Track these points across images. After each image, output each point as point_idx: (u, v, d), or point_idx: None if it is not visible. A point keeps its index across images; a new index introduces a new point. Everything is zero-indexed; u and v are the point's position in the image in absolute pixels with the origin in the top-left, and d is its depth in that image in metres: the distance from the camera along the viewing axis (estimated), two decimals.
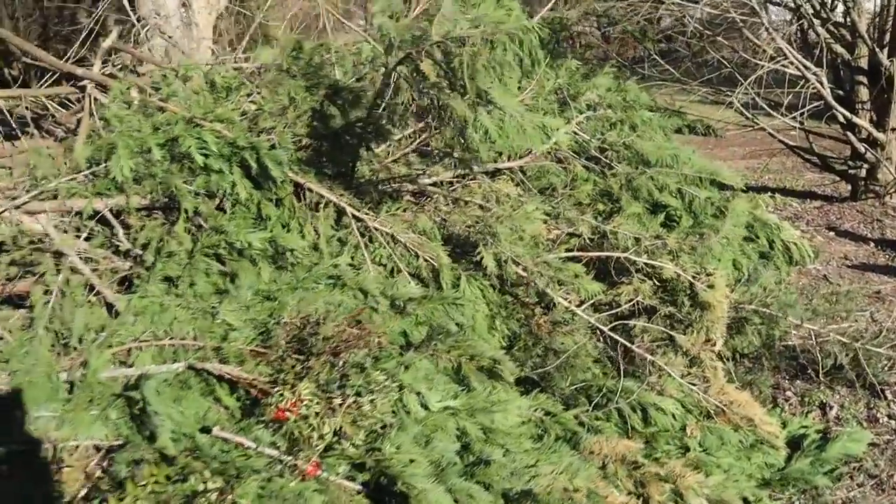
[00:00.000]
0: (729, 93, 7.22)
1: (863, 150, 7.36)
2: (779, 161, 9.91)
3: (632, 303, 3.30)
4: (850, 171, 7.68)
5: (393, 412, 2.48)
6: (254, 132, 3.35)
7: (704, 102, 8.66)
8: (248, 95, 3.47)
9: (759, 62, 6.95)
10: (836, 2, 7.25)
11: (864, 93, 7.47)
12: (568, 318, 3.14)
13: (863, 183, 7.57)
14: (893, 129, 7.26)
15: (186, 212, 3.08)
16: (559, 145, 3.84)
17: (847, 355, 3.64)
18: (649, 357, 3.12)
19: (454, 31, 2.44)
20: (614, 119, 4.08)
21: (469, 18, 2.44)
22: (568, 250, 3.30)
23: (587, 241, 3.32)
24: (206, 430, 2.45)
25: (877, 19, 7.43)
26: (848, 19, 7.05)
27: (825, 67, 7.22)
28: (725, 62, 7.37)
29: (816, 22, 7.18)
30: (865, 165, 7.50)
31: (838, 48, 7.41)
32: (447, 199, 3.36)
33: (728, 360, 3.69)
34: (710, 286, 3.30)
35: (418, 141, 3.71)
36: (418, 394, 2.49)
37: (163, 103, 3.50)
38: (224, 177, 3.11)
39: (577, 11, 8.26)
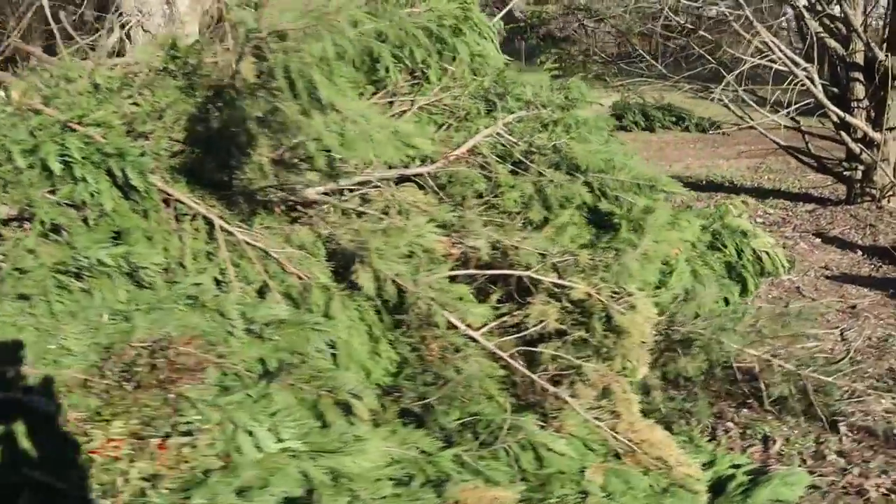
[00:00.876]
0: (713, 89, 6.82)
1: (858, 150, 6.91)
2: (783, 161, 9.46)
3: (542, 326, 2.96)
4: (844, 172, 7.23)
5: (226, 454, 2.19)
6: (132, 136, 3.08)
7: (694, 98, 8.24)
8: (129, 97, 3.19)
9: (744, 57, 6.53)
10: None
11: (859, 90, 7.01)
12: (462, 344, 2.82)
13: (858, 185, 7.12)
14: (890, 129, 6.80)
15: (43, 223, 2.81)
16: (479, 149, 3.51)
17: (791, 384, 3.26)
18: (551, 388, 2.78)
19: (279, 23, 2.13)
20: (547, 119, 3.74)
21: (303, 9, 2.13)
22: (471, 267, 2.97)
23: (490, 256, 2.99)
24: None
25: (869, 11, 6.97)
26: (841, 12, 6.60)
27: (817, 63, 6.77)
28: (709, 58, 6.96)
29: (808, 15, 6.74)
30: (861, 167, 7.05)
31: (832, 43, 6.96)
32: (339, 209, 3.06)
33: (662, 388, 3.34)
34: (632, 307, 2.95)
35: None
36: (250, 433, 2.19)
37: (43, 106, 3.24)
38: (86, 186, 2.84)
39: (559, 6, 7.92)
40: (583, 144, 3.63)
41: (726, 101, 7.04)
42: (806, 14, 6.74)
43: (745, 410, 3.50)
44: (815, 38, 6.66)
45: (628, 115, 15.14)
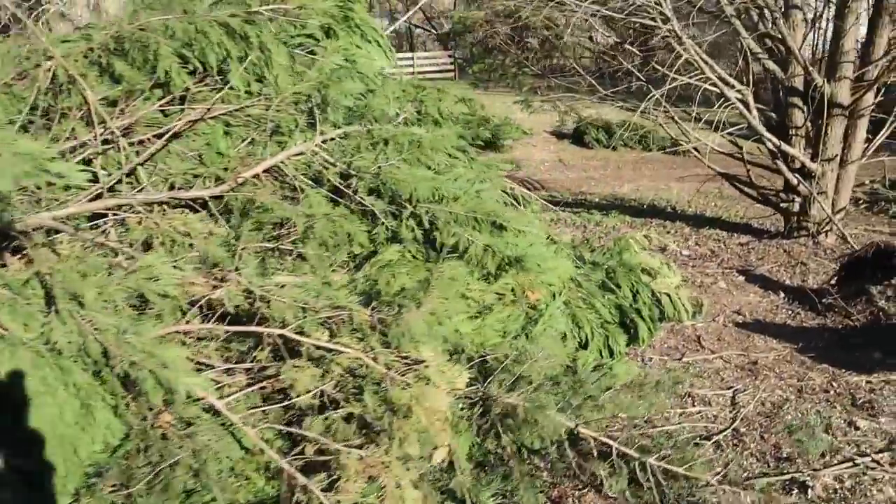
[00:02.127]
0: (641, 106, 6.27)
1: (795, 181, 6.38)
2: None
3: (313, 395, 2.37)
4: (781, 204, 6.70)
5: None
6: None
7: (630, 115, 7.68)
8: None
9: (672, 75, 5.98)
10: (772, 12, 6.25)
11: (798, 116, 6.49)
12: (194, 416, 2.22)
13: (795, 219, 6.58)
14: (828, 160, 6.27)
15: None
16: (283, 169, 2.92)
17: (631, 468, 2.68)
18: (300, 479, 2.19)
19: None
20: (378, 137, 3.16)
21: None
22: (221, 317, 2.38)
23: (247, 305, 2.39)
24: None
25: (813, 35, 6.46)
26: (777, 31, 6.07)
27: (753, 86, 6.23)
28: (637, 73, 6.41)
29: (744, 33, 6.21)
30: (798, 199, 6.52)
31: (770, 65, 6.43)
32: (75, 240, 2.46)
33: (477, 470, 2.76)
34: (422, 378, 2.36)
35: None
36: None
37: None
38: None
39: (486, 11, 7.37)
40: (413, 168, 3.05)
41: (657, 119, 6.50)
42: (742, 32, 6.21)
43: (591, 495, 2.91)
44: (750, 58, 6.13)
45: (591, 133, 14.66)
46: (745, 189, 7.18)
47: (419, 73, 17.61)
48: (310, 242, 2.67)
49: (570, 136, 15.13)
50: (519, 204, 5.00)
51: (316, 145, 3.05)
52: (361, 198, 2.95)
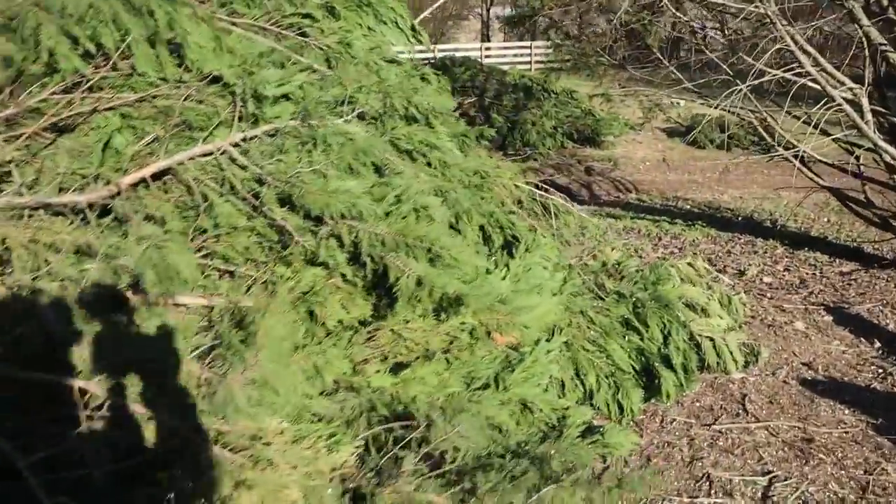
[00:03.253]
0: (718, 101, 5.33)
1: None
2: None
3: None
4: None
5: None
6: None
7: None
8: None
9: (763, 68, 5.00)
10: None
11: None
12: None
13: None
14: None
15: None
16: (182, 174, 2.42)
17: None
18: None
19: None
20: (308, 137, 2.58)
21: None
22: None
23: None
24: None
25: None
26: None
27: (868, 84, 5.12)
28: (723, 65, 5.43)
29: (863, 16, 5.09)
30: None
31: (893, 55, 5.25)
32: None
33: None
34: (260, 462, 1.80)
35: None
36: None
37: None
38: None
39: None
40: (321, 180, 2.46)
41: (743, 120, 5.51)
42: (860, 15, 5.08)
43: None
44: (867, 49, 5.01)
45: (704, 131, 13.33)
46: (857, 208, 6.03)
47: (500, 63, 16.84)
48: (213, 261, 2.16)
49: (681, 133, 13.89)
50: (548, 215, 4.31)
51: (231, 144, 2.53)
52: (270, 210, 2.41)
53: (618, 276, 3.73)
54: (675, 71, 6.15)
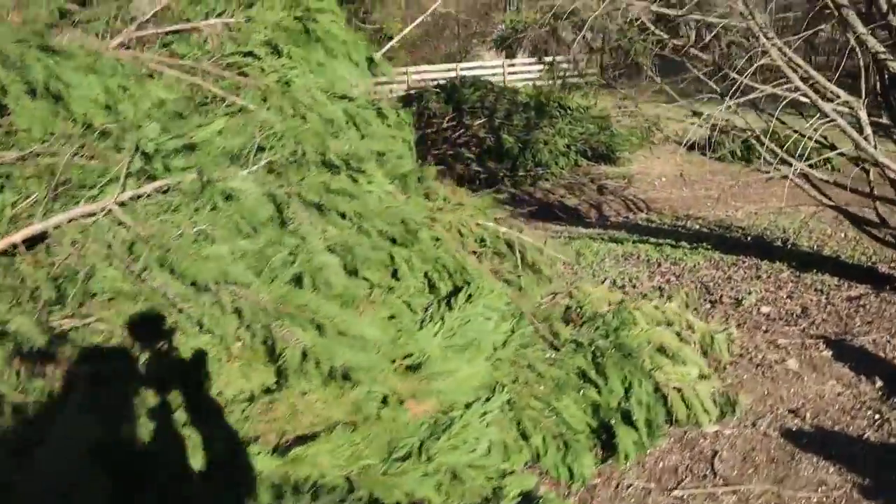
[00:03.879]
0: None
1: None
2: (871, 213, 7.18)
3: None
4: None
5: None
6: None
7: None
8: None
9: (744, 80, 4.68)
10: None
11: None
12: None
13: None
14: None
15: None
16: (57, 237, 2.25)
17: None
18: None
19: None
20: (196, 195, 2.36)
21: None
22: None
23: None
24: None
25: None
26: None
27: (866, 95, 4.77)
28: (708, 80, 5.13)
29: (852, 17, 4.74)
30: None
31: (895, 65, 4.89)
32: None
33: None
34: None
35: None
36: None
37: None
38: None
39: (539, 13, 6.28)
40: (220, 240, 2.25)
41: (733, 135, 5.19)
42: (855, 24, 4.73)
43: None
44: (860, 57, 4.66)
45: (726, 144, 12.88)
46: (869, 228, 5.64)
47: (524, 79, 16.55)
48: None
49: (701, 146, 13.45)
50: (512, 253, 4.06)
51: (117, 203, 2.36)
52: (147, 276, 2.22)
53: (579, 320, 3.45)
54: (667, 88, 5.86)
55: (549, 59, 8.48)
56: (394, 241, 2.87)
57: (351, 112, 3.83)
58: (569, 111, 12.21)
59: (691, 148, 13.79)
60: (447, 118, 11.44)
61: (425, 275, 3.10)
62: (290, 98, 3.29)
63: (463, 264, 3.25)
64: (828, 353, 4.20)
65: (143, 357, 2.17)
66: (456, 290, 3.18)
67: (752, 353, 4.17)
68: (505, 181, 11.10)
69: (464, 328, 2.79)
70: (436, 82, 13.04)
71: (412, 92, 12.33)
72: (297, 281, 2.31)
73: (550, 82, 12.16)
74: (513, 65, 21.67)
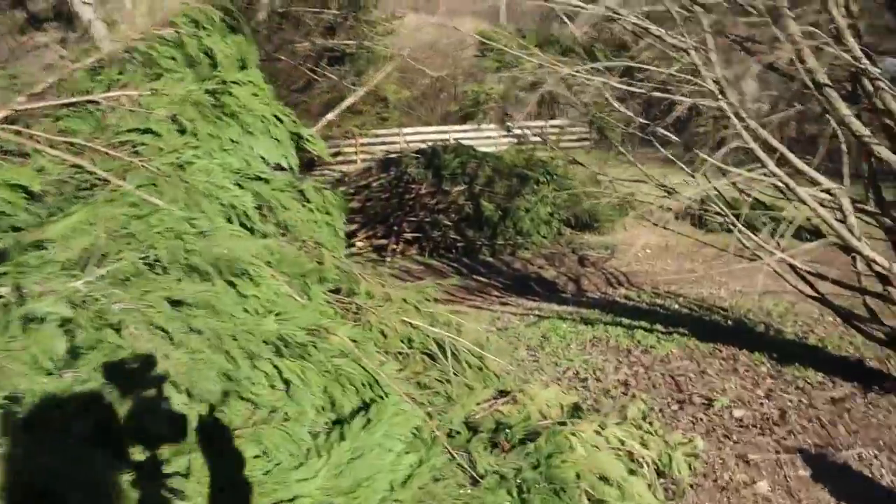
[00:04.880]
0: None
1: None
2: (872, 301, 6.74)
3: None
4: None
5: None
6: None
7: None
8: None
9: (722, 166, 4.32)
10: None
11: None
12: None
13: None
14: None
15: None
16: None
17: None
18: None
19: None
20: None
21: None
22: None
23: None
24: None
25: None
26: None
27: (848, 182, 4.41)
28: (676, 160, 4.77)
29: (837, 99, 4.39)
30: None
31: (883, 151, 4.52)
32: None
33: None
34: None
35: None
36: None
37: None
38: None
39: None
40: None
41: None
42: (838, 104, 4.38)
43: None
44: (841, 139, 4.31)
45: (711, 212, 12.55)
46: (856, 323, 5.19)
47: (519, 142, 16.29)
48: None
49: (689, 215, 13.12)
50: (444, 355, 3.63)
51: None
52: None
53: (507, 445, 2.96)
54: (634, 162, 5.51)
55: (512, 126, 8.14)
56: (279, 353, 2.42)
57: (265, 195, 3.46)
58: (555, 177, 11.91)
59: (680, 217, 13.53)
60: (426, 184, 11.11)
61: (325, 390, 2.64)
62: (182, 183, 2.90)
63: (375, 376, 2.80)
64: (805, 473, 3.70)
65: None
66: (365, 406, 2.72)
67: (717, 472, 3.66)
68: (483, 250, 10.73)
69: (353, 464, 2.32)
70: (422, 146, 12.75)
71: (392, 156, 12.02)
72: None
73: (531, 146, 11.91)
74: (508, 127, 21.47)
